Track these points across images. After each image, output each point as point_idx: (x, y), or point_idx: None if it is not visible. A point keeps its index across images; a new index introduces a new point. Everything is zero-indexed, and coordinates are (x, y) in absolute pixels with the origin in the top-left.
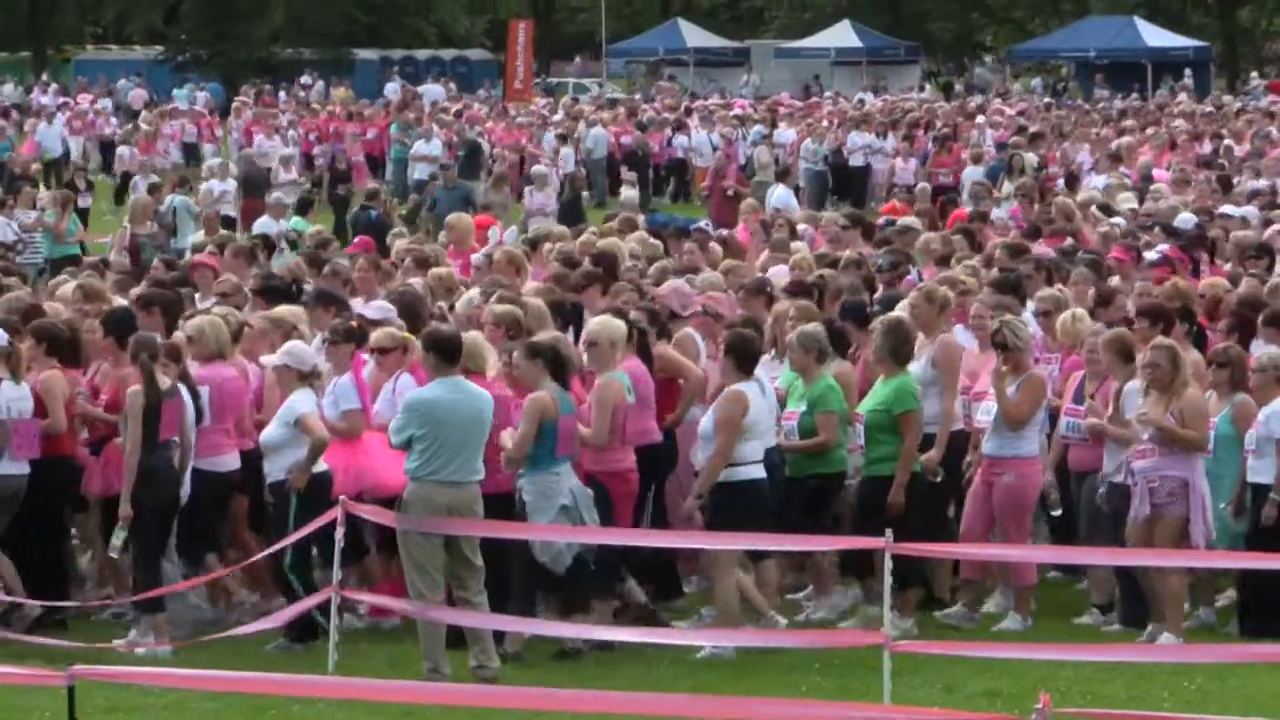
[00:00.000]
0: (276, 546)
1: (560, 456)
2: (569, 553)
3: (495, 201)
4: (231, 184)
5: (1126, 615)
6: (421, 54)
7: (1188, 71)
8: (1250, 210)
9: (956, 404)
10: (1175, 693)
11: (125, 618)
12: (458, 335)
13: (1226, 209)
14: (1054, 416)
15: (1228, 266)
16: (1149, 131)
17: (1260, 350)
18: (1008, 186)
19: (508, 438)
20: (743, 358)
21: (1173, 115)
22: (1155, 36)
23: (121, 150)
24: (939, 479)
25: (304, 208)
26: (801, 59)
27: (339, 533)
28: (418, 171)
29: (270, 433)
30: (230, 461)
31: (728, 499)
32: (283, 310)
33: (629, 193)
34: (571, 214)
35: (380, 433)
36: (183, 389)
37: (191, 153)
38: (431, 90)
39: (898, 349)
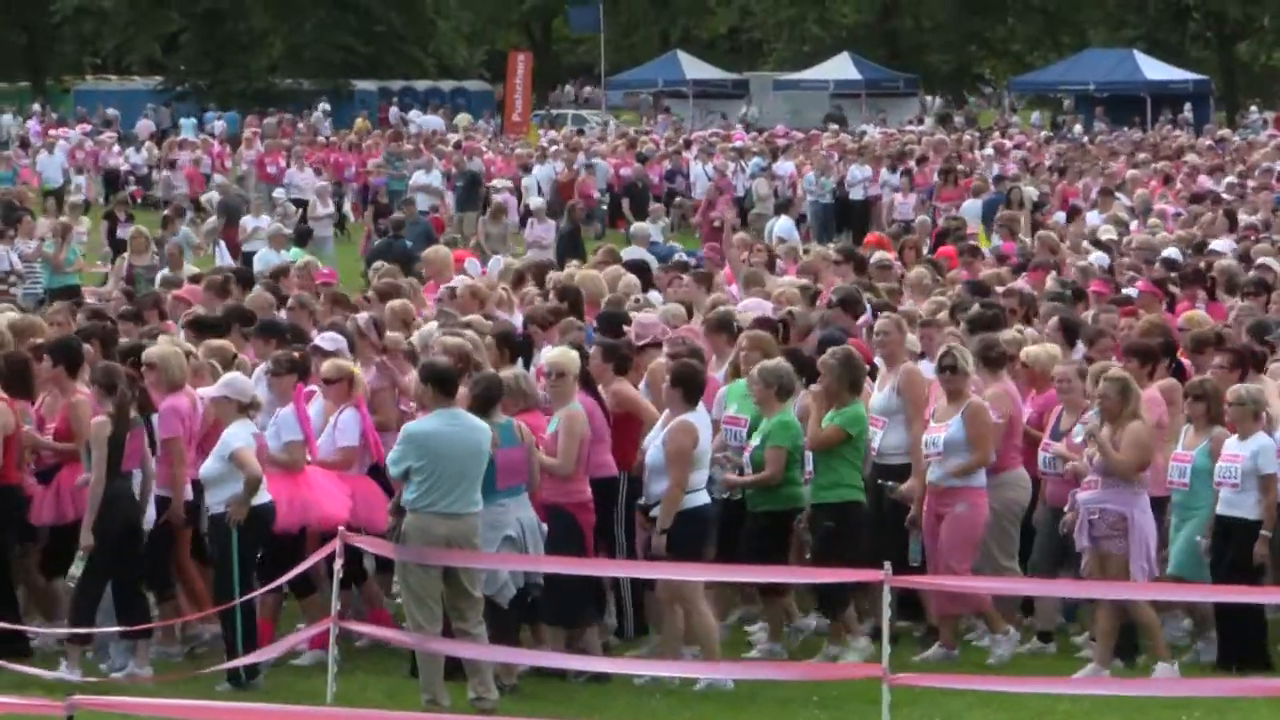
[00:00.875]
0: (276, 583)
1: (503, 489)
2: (514, 585)
3: (493, 233)
4: (265, 220)
5: (1117, 649)
6: (420, 85)
7: (1187, 105)
8: (1226, 243)
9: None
10: None
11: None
12: (453, 368)
13: (1215, 244)
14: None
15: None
16: (1160, 165)
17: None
18: None
19: None
20: (689, 388)
21: (1171, 150)
22: (1155, 70)
23: (79, 179)
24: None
25: (302, 239)
26: (800, 91)
27: (338, 564)
28: (417, 203)
29: (209, 465)
30: (187, 491)
31: (680, 528)
32: (212, 344)
33: (641, 225)
34: (570, 246)
35: (325, 466)
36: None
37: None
38: (429, 121)
39: (854, 379)
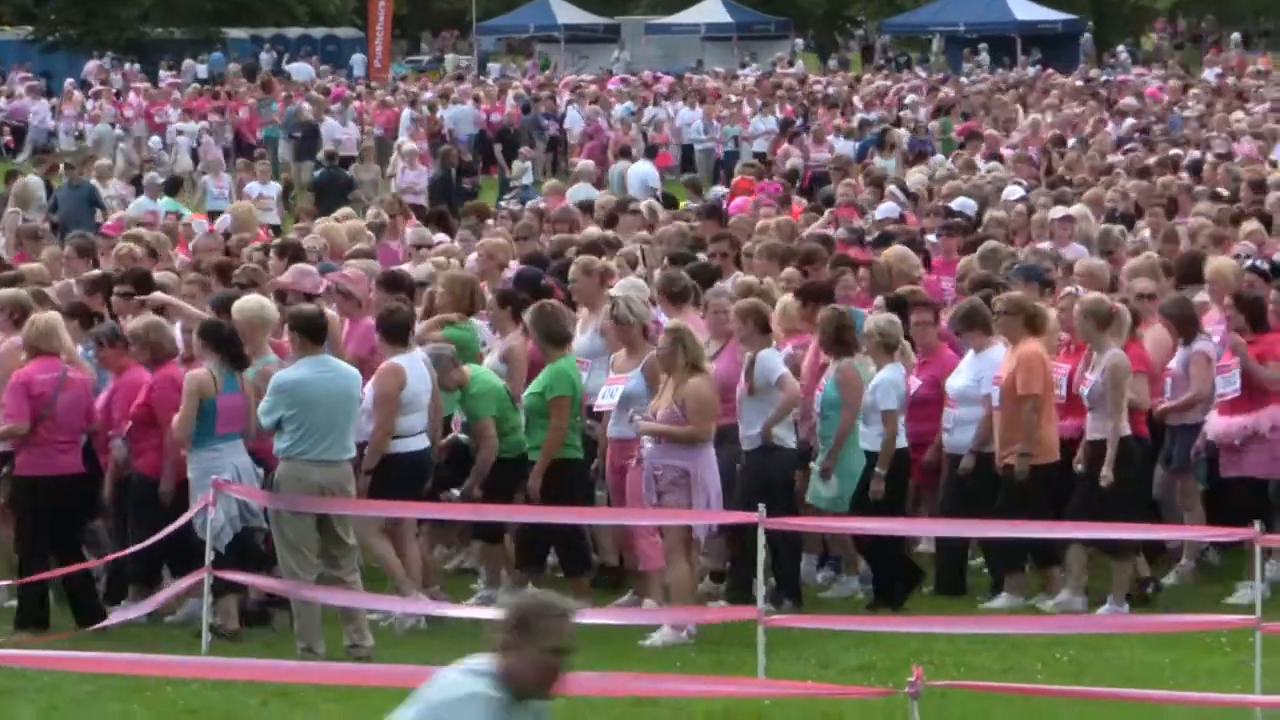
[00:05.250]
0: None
1: (221, 435)
2: (232, 529)
3: (365, 179)
4: (275, 187)
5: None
6: (292, 32)
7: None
8: (1015, 190)
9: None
10: (1048, 664)
11: None
12: (322, 314)
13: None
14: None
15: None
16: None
17: None
18: (879, 161)
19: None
20: (391, 331)
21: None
22: (1025, 10)
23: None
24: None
25: (172, 188)
26: (673, 35)
27: (211, 513)
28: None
29: None
30: None
31: (384, 471)
32: None
33: (520, 165)
34: (442, 192)
35: None
36: None
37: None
38: (300, 69)
39: (551, 332)
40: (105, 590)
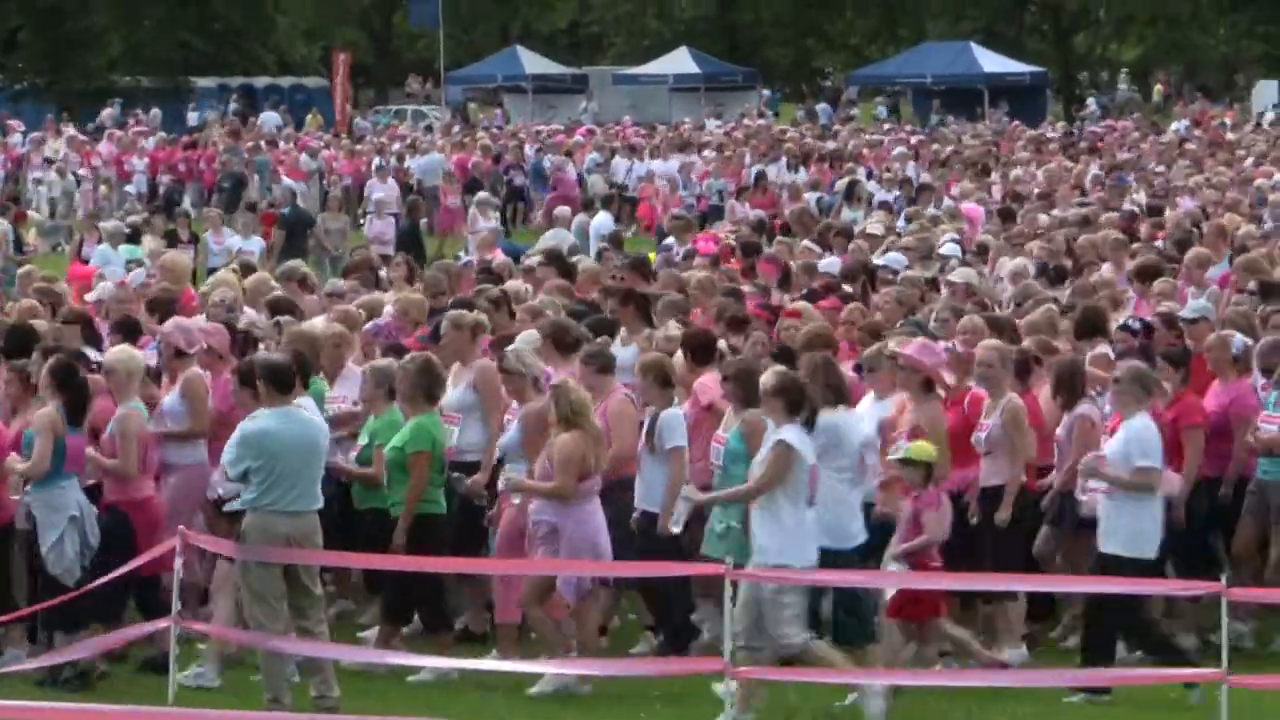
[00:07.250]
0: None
1: (67, 472)
2: (77, 565)
3: (334, 228)
4: (257, 242)
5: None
6: (260, 81)
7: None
8: (952, 248)
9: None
10: (1015, 717)
11: None
12: (290, 364)
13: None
14: None
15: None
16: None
17: None
18: (846, 213)
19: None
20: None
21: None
22: (992, 62)
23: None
24: (485, 504)
25: (136, 235)
26: (640, 85)
27: (178, 563)
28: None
29: None
30: None
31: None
32: None
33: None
34: (409, 242)
35: None
36: None
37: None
38: (268, 118)
39: (428, 388)
40: None
